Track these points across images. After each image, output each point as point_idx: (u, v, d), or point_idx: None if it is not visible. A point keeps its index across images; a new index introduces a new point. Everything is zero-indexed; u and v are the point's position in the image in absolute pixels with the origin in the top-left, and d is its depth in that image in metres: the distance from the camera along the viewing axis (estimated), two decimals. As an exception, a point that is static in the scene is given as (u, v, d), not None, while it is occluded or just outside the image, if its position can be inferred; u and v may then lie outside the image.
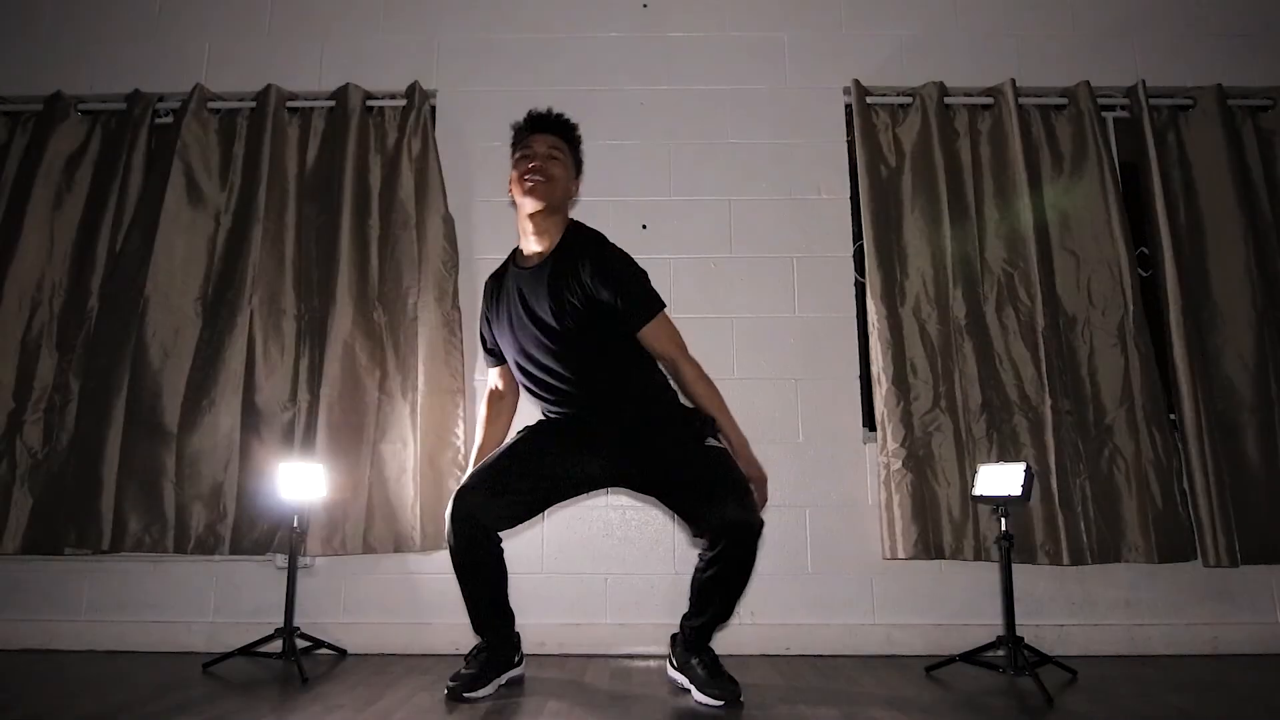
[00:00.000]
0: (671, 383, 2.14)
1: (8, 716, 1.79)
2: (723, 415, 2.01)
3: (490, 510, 1.96)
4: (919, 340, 2.68)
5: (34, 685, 2.11)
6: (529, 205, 2.02)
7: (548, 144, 2.06)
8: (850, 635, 2.55)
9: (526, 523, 2.13)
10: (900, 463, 2.55)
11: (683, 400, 2.11)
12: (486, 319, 2.23)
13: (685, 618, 2.06)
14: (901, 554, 2.50)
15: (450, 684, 1.97)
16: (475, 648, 2.10)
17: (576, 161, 2.15)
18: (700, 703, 1.91)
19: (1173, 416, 2.64)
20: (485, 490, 1.97)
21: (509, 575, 2.05)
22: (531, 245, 2.08)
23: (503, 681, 2.06)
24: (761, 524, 1.90)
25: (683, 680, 2.03)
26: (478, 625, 2.07)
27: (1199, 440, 2.55)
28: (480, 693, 1.97)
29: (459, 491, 1.98)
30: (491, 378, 2.32)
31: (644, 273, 2.07)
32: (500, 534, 2.01)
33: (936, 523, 2.55)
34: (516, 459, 2.03)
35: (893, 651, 2.54)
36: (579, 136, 2.17)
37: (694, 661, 1.99)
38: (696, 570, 1.98)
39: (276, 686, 2.08)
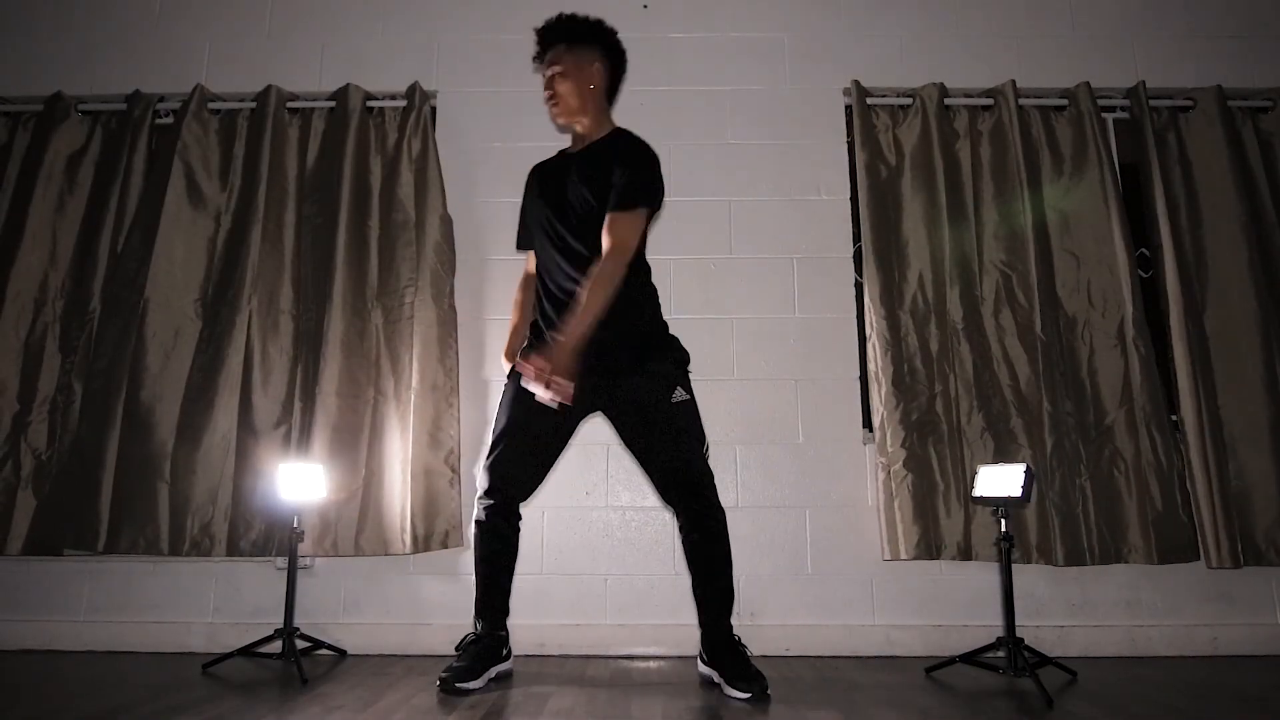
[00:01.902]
0: (651, 303, 2.19)
1: (8, 717, 1.79)
2: (584, 316, 1.97)
3: (516, 482, 2.11)
4: (917, 341, 2.68)
5: (34, 686, 2.11)
6: (556, 122, 2.26)
7: (550, 63, 2.18)
8: (850, 636, 2.55)
9: (523, 529, 2.19)
10: (900, 464, 2.55)
11: (661, 328, 2.19)
12: (525, 201, 2.34)
13: (694, 594, 2.12)
14: (904, 555, 2.50)
15: (443, 675, 2.00)
16: (465, 639, 2.14)
17: (588, 51, 2.18)
18: (730, 695, 1.96)
19: (1174, 418, 2.64)
20: (506, 465, 2.09)
21: (513, 575, 2.10)
22: (577, 142, 2.26)
23: (492, 675, 2.10)
24: (712, 505, 2.06)
25: (712, 674, 2.07)
26: (482, 608, 2.12)
27: (1200, 442, 2.55)
28: (473, 684, 2.01)
29: (493, 469, 2.09)
30: (526, 263, 2.39)
31: (658, 176, 2.13)
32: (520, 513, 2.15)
33: (936, 523, 2.54)
34: (517, 425, 2.11)
35: (892, 652, 2.54)
36: (583, 24, 2.19)
37: (724, 656, 2.04)
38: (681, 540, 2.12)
39: (276, 687, 2.08)
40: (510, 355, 2.29)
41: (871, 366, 2.66)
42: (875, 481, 2.63)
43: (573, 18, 2.19)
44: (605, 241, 2.04)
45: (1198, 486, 2.54)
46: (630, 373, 2.09)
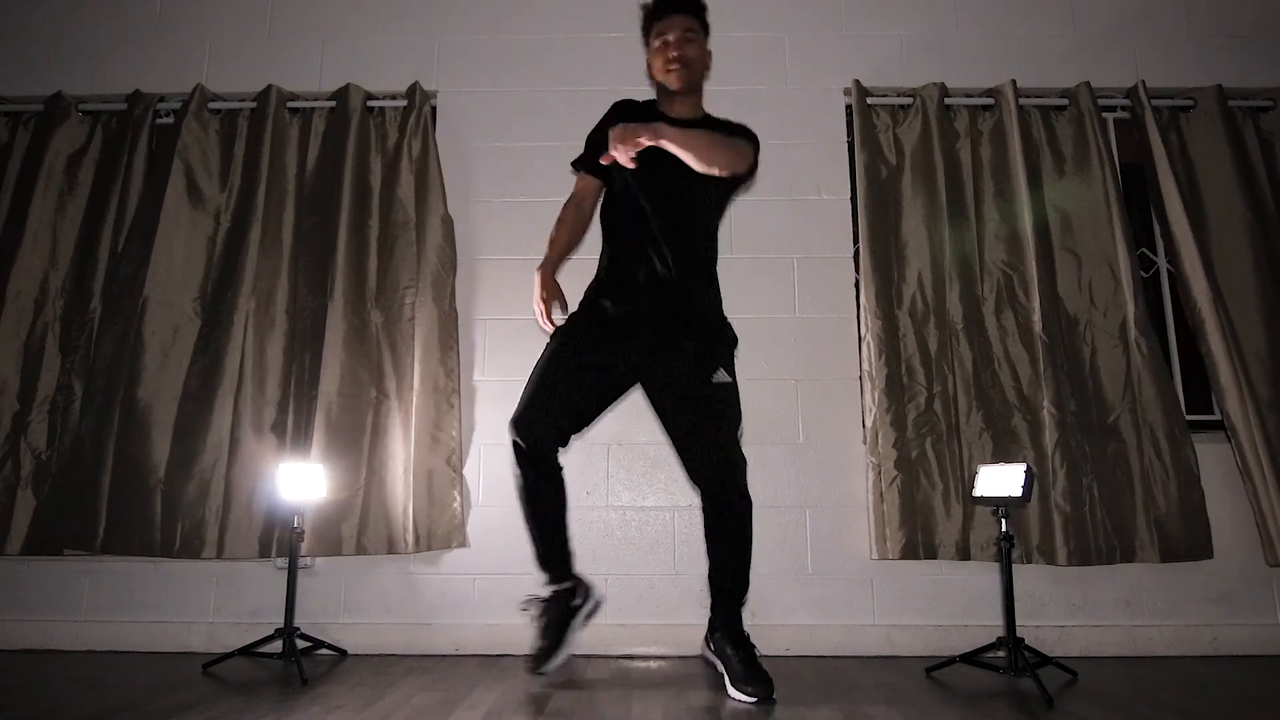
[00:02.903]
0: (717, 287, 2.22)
1: (7, 717, 1.79)
2: (687, 139, 2.00)
3: (551, 431, 2.07)
4: (915, 342, 2.68)
5: (34, 686, 2.11)
6: (673, 85, 2.17)
7: (683, 27, 2.15)
8: (850, 636, 2.55)
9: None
10: (891, 464, 2.55)
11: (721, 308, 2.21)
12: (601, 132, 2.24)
13: (709, 578, 2.11)
14: (891, 555, 2.50)
15: (529, 656, 2.09)
16: (529, 601, 2.15)
17: (706, 30, 2.23)
18: (733, 697, 1.95)
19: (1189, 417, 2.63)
20: (543, 410, 2.06)
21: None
22: (677, 110, 2.21)
23: (578, 628, 2.13)
24: (740, 495, 2.05)
25: (718, 665, 2.07)
26: (541, 563, 2.14)
27: (1250, 437, 2.53)
28: (556, 660, 2.08)
29: (519, 420, 2.06)
30: (579, 183, 2.33)
31: (756, 140, 2.19)
32: (560, 461, 2.13)
33: (930, 524, 2.54)
34: (561, 373, 2.10)
35: (893, 652, 2.54)
36: (705, 5, 2.22)
37: (731, 653, 2.01)
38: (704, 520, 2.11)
39: (276, 687, 2.08)
40: (548, 270, 2.21)
41: (866, 367, 2.66)
42: (866, 481, 2.63)
43: (703, 3, 2.21)
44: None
45: (1254, 482, 2.51)
46: (675, 347, 2.08)
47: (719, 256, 2.26)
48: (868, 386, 2.65)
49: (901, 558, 2.50)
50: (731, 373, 2.10)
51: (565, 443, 2.14)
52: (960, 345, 2.67)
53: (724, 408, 2.06)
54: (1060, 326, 2.68)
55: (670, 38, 2.15)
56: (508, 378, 2.74)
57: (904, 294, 2.72)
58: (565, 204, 2.33)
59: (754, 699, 1.91)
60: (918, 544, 2.51)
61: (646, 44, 2.25)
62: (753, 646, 2.04)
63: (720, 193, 2.23)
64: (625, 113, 2.25)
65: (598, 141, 2.22)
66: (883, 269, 2.71)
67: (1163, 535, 2.52)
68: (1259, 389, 2.60)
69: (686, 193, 2.13)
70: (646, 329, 2.09)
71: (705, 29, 2.23)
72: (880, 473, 2.56)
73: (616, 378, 2.17)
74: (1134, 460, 2.58)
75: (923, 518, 2.54)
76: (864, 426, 2.70)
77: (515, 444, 2.08)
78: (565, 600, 2.13)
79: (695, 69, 2.17)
